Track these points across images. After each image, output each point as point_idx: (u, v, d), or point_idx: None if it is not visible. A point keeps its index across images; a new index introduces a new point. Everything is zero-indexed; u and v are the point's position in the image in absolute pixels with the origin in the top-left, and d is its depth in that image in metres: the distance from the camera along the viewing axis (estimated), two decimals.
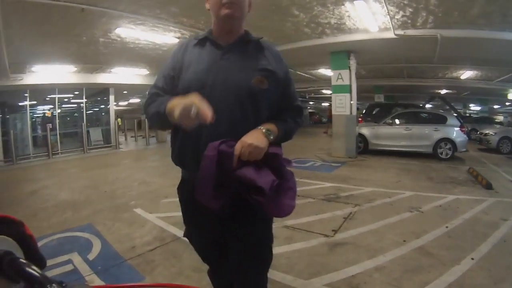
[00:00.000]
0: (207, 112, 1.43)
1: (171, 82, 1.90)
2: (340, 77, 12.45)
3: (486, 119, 24.05)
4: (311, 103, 43.50)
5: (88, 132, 17.05)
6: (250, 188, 1.59)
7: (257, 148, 1.61)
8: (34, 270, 0.68)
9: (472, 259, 4.10)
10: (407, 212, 6.00)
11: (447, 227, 5.23)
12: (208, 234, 2.04)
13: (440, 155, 12.28)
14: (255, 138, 1.63)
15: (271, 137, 1.72)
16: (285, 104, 2.00)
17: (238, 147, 1.59)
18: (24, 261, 0.71)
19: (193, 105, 1.40)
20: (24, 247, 0.79)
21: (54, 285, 0.64)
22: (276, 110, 1.94)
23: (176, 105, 1.48)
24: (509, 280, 3.59)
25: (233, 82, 1.76)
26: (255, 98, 1.78)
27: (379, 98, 24.35)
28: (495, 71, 16.51)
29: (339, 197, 7.00)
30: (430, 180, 8.80)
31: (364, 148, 13.68)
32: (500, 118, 28.59)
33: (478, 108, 34.45)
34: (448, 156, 12.17)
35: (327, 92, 26.08)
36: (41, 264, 0.81)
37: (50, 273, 3.51)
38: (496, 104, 34.42)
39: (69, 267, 3.73)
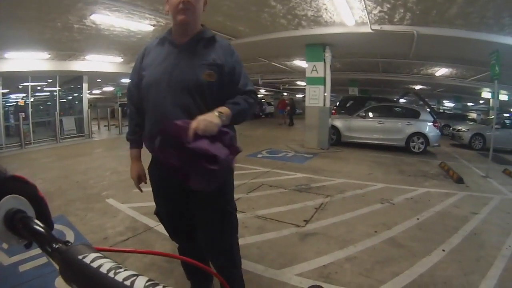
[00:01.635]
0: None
1: (137, 84, 2.34)
2: (314, 69, 12.48)
3: (459, 116, 24.57)
4: (285, 94, 43.51)
5: (61, 121, 16.60)
6: (203, 158, 1.74)
7: (210, 123, 1.83)
8: (42, 228, 0.73)
9: (443, 250, 4.18)
10: (379, 204, 6.07)
11: (418, 219, 5.32)
12: (175, 206, 2.41)
13: (412, 149, 12.52)
14: (208, 116, 1.88)
15: (223, 118, 1.96)
16: (236, 90, 2.22)
17: (194, 122, 1.81)
18: (34, 220, 0.77)
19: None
20: (35, 207, 0.83)
21: (59, 244, 0.68)
22: (226, 96, 2.18)
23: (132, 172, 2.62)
24: (479, 272, 3.67)
25: (184, 77, 2.10)
26: (202, 89, 2.11)
27: (354, 91, 24.59)
28: (470, 70, 16.85)
29: (311, 188, 7.02)
30: (402, 173, 8.94)
31: (337, 140, 13.82)
32: (473, 115, 29.28)
33: (452, 104, 35.14)
34: (421, 150, 12.42)
35: (301, 83, 26.10)
36: (50, 225, 0.84)
37: (23, 267, 3.48)
38: (470, 102, 35.19)
39: (42, 260, 3.59)
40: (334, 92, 29.80)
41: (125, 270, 0.57)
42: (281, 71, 21.52)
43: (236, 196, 5.47)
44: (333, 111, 15.53)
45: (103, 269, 0.57)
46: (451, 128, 17.97)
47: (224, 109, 2.01)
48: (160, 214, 2.59)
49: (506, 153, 13.90)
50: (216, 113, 1.94)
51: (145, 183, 2.53)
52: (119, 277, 0.55)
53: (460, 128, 16.34)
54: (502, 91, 20.03)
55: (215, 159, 1.73)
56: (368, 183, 7.52)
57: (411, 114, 13.18)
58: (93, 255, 0.61)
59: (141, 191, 2.57)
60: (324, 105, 12.46)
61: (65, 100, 19.19)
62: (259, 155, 10.84)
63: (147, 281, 0.53)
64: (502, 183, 8.12)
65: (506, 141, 14.42)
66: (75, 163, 9.89)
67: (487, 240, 4.60)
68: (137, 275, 0.55)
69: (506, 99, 22.06)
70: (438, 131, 12.67)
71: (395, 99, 26.24)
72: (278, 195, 6.46)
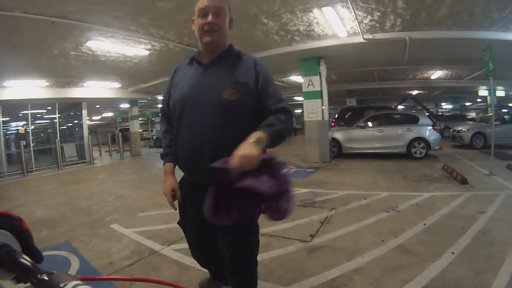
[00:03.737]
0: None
1: (168, 102, 2.43)
2: (310, 83, 12.54)
3: (459, 117, 24.62)
4: None
5: (62, 148, 16.71)
6: (255, 198, 1.83)
7: (249, 157, 1.75)
8: (27, 261, 0.77)
9: (452, 253, 4.12)
10: (384, 212, 6.02)
11: (424, 224, 5.27)
12: (200, 218, 2.08)
13: (414, 155, 12.52)
14: (245, 149, 1.78)
15: (261, 144, 1.85)
16: (267, 107, 2.16)
17: (232, 160, 1.74)
18: (19, 253, 0.80)
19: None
20: (21, 241, 0.87)
21: (44, 275, 0.72)
22: (254, 116, 2.18)
23: (165, 187, 2.35)
24: (491, 271, 3.61)
25: (209, 95, 2.11)
26: (227, 109, 2.08)
27: (351, 102, 24.71)
28: (465, 69, 16.97)
29: (315, 202, 6.97)
30: (405, 179, 8.90)
31: (338, 152, 13.85)
32: (472, 114, 29.35)
33: (450, 106, 35.17)
34: (422, 154, 12.42)
35: (299, 99, 26.16)
36: (38, 258, 0.87)
37: None
38: (468, 101, 35.25)
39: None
40: (332, 104, 29.91)
41: None
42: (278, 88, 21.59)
43: None
44: (333, 124, 15.57)
45: None
46: (451, 130, 18.00)
47: (259, 134, 1.92)
48: (185, 227, 2.60)
49: (508, 149, 13.90)
50: (251, 140, 1.85)
51: (179, 200, 2.38)
52: None
53: (460, 128, 16.36)
54: (498, 87, 20.13)
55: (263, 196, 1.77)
56: (372, 193, 7.48)
57: (410, 119, 13.22)
58: (73, 282, 0.65)
59: (175, 209, 2.41)
60: (323, 118, 12.51)
61: (65, 127, 19.42)
62: None
63: None
64: (507, 178, 8.09)
65: (507, 136, 14.42)
66: (78, 189, 9.92)
67: (497, 238, 4.55)
68: None
69: (503, 95, 22.11)
70: (438, 134, 12.68)
71: (393, 106, 26.28)
72: None
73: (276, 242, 4.88)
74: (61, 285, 0.65)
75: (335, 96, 23.62)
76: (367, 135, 13.41)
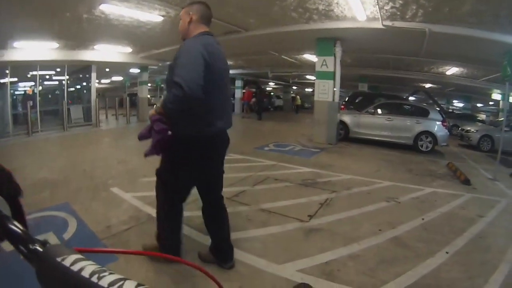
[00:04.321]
0: None
1: None
2: (324, 63, 12.37)
3: (469, 116, 24.40)
4: (294, 87, 43.33)
5: (68, 110, 16.64)
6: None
7: (149, 114, 2.99)
8: (17, 228, 0.65)
9: (447, 252, 4.13)
10: (384, 202, 6.03)
11: (423, 219, 5.28)
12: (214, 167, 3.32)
13: (420, 148, 12.45)
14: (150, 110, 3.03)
15: (156, 109, 2.86)
16: (171, 78, 2.72)
17: None
18: (9, 217, 0.68)
19: None
20: (11, 205, 0.79)
21: (36, 245, 0.61)
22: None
23: None
24: (483, 276, 3.63)
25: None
26: (166, 82, 3.10)
27: (363, 87, 24.43)
28: (482, 70, 16.63)
29: (317, 183, 6.99)
30: (409, 171, 8.89)
31: (345, 135, 13.80)
32: (482, 116, 29.03)
33: (461, 104, 34.87)
34: (428, 149, 12.36)
35: (311, 77, 25.93)
36: (25, 223, 0.78)
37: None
38: (480, 103, 34.86)
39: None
40: (344, 87, 29.62)
41: (110, 273, 0.51)
42: (290, 65, 21.40)
43: (241, 188, 5.74)
44: (342, 107, 15.47)
45: (85, 273, 0.52)
46: (459, 128, 17.81)
47: (159, 103, 2.83)
48: (183, 180, 3.17)
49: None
50: (155, 106, 2.91)
51: None
52: (104, 282, 0.49)
53: (469, 128, 16.24)
54: None
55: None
56: (375, 181, 7.48)
57: (420, 112, 13.08)
58: (73, 256, 0.55)
59: None
60: (333, 100, 12.36)
61: (73, 89, 19.30)
62: (266, 148, 10.85)
63: (137, 285, 0.48)
64: (510, 186, 8.01)
65: None
66: (82, 152, 9.90)
67: (493, 244, 4.56)
68: (124, 279, 0.50)
69: None
70: (446, 130, 12.56)
71: (404, 97, 26.05)
72: (283, 189, 6.45)
73: (275, 219, 4.92)
74: (58, 259, 0.55)
75: (347, 79, 23.38)
76: (375, 122, 13.34)
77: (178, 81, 2.53)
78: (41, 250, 0.59)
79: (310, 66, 17.55)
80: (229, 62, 20.03)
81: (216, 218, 3.40)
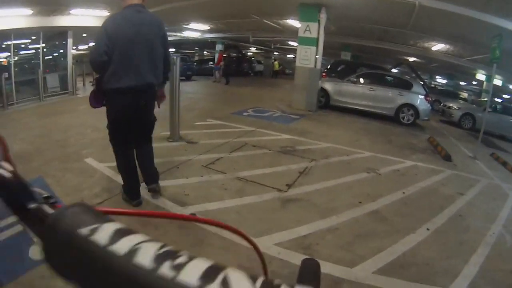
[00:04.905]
0: None
1: None
2: (308, 29, 12.05)
3: (451, 93, 24.61)
4: (276, 53, 42.79)
5: (44, 78, 16.02)
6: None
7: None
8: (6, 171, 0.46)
9: (428, 229, 4.08)
10: (364, 173, 5.95)
11: (403, 193, 5.22)
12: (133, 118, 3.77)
13: (401, 120, 12.44)
14: None
15: None
16: None
17: None
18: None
19: None
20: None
21: (43, 204, 0.45)
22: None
23: None
24: (462, 257, 3.59)
25: None
26: None
27: (346, 56, 24.18)
28: (468, 49, 16.55)
29: (296, 151, 6.86)
30: (389, 143, 8.84)
31: (325, 103, 13.64)
32: (464, 94, 29.20)
33: (444, 81, 34.97)
34: (410, 122, 12.36)
35: (293, 44, 25.49)
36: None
37: None
38: (462, 81, 35.00)
39: (18, 228, 3.34)
40: (326, 55, 29.31)
41: (162, 247, 0.32)
42: (273, 30, 20.88)
43: (217, 155, 6.13)
44: (323, 74, 15.28)
45: (123, 249, 0.31)
46: (441, 104, 17.98)
47: None
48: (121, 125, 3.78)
49: (493, 137, 13.96)
50: None
51: None
52: (166, 269, 0.29)
53: (451, 105, 16.38)
54: (496, 76, 19.93)
55: None
56: (355, 150, 7.39)
57: (404, 85, 12.97)
58: (105, 226, 0.34)
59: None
60: (315, 66, 12.23)
61: (50, 57, 18.52)
62: (245, 113, 10.60)
63: (207, 268, 0.29)
64: (490, 166, 8.05)
65: (495, 125, 14.37)
66: (56, 121, 9.44)
67: (472, 224, 4.52)
68: (192, 258, 0.30)
69: (500, 84, 21.97)
70: (429, 105, 12.54)
71: (387, 68, 25.98)
72: (261, 156, 6.29)
73: (251, 188, 4.77)
74: (82, 230, 0.33)
75: (330, 47, 22.96)
76: (357, 91, 13.20)
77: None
78: (50, 215, 0.37)
79: (293, 32, 17.14)
80: (209, 26, 19.00)
81: (143, 156, 4.07)
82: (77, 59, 25.71)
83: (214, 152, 6.22)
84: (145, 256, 0.30)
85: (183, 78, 21.56)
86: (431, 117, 13.65)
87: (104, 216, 0.37)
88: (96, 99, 3.78)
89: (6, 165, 0.48)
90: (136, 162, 3.99)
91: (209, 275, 0.28)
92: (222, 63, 22.90)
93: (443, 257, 3.53)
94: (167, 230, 3.41)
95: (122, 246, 0.31)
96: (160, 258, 0.30)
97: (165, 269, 0.29)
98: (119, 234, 0.33)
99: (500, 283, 3.31)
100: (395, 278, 3.11)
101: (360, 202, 4.63)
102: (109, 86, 3.54)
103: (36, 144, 6.68)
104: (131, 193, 3.98)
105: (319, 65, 12.36)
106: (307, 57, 12.18)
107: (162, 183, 4.26)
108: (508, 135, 14.80)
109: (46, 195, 0.48)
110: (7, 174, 0.45)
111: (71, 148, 6.44)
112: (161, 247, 0.32)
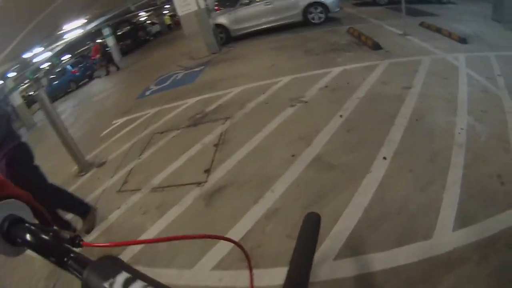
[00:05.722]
0: None
1: None
2: None
3: None
4: (167, 7, 40.90)
5: None
6: None
7: None
8: (47, 235, 0.61)
9: (385, 158, 3.33)
10: (288, 108, 5.10)
11: (341, 116, 4.42)
12: None
13: (312, 21, 11.61)
14: None
15: None
16: None
17: None
18: (34, 225, 0.66)
19: None
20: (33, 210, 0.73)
21: (78, 256, 0.56)
22: None
23: None
24: (437, 181, 2.90)
25: None
26: None
27: None
28: None
29: (207, 115, 5.90)
30: (309, 53, 7.96)
31: (227, 38, 12.64)
32: None
33: None
34: (322, 19, 11.56)
35: None
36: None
37: None
38: None
39: None
40: None
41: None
42: None
43: (129, 167, 5.02)
44: (216, 8, 14.16)
45: None
46: None
47: None
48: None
49: (413, 3, 13.04)
50: None
51: None
52: None
53: None
54: None
55: None
56: (272, 81, 6.52)
57: None
58: (123, 275, 0.47)
59: None
60: (199, 7, 11.02)
61: None
62: (148, 92, 9.34)
63: None
64: (424, 39, 7.40)
65: None
66: None
67: (434, 124, 3.85)
68: None
69: None
70: None
71: None
72: (172, 143, 5.31)
73: (170, 196, 3.85)
74: (106, 284, 0.46)
75: None
76: (255, 12, 12.13)
77: None
78: (85, 269, 0.51)
79: None
80: (86, 16, 17.34)
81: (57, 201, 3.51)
82: None
83: (124, 165, 5.16)
84: None
85: (86, 80, 20.55)
86: (342, 5, 12.88)
87: (119, 264, 0.50)
88: None
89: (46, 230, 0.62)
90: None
91: None
92: (98, 55, 20.99)
93: (415, 191, 2.84)
94: None
95: None
96: None
97: None
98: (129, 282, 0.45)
99: (494, 194, 2.66)
100: (366, 254, 2.39)
101: (293, 156, 3.78)
102: None
103: None
104: (82, 206, 3.66)
105: (202, 4, 11.20)
106: (188, 1, 10.97)
107: (86, 238, 3.28)
108: None
109: (72, 236, 0.59)
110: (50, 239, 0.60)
111: None
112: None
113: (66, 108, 12.97)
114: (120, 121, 7.52)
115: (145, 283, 0.44)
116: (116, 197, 4.25)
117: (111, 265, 0.48)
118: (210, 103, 6.36)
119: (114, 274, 0.46)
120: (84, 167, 5.46)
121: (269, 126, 4.65)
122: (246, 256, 0.73)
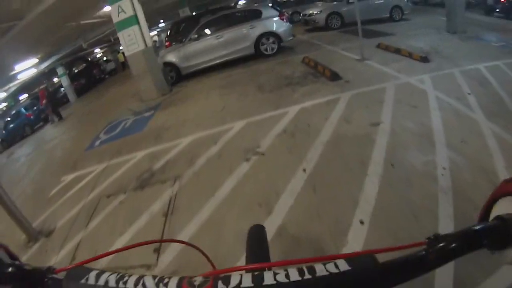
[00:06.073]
0: None
1: None
2: (121, 10, 10.51)
3: None
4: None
5: None
6: None
7: None
8: (26, 266, 0.63)
9: (362, 222, 2.82)
10: (244, 163, 4.54)
11: (304, 170, 3.90)
12: None
13: (265, 52, 11.43)
14: None
15: None
16: None
17: None
18: (8, 259, 0.66)
19: None
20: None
21: (52, 274, 0.61)
22: None
23: None
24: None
25: None
26: None
27: (184, 12, 22.93)
28: None
29: (154, 174, 5.26)
30: (261, 89, 7.58)
31: (177, 76, 12.22)
32: None
33: None
34: (274, 50, 11.44)
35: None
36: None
37: None
38: None
39: None
40: (167, 21, 28.16)
41: (129, 276, 0.53)
42: (100, 24, 18.94)
43: (76, 239, 4.33)
44: (167, 44, 13.83)
45: (112, 284, 0.53)
46: (301, 15, 17.32)
47: None
48: None
49: (365, 24, 13.02)
50: None
51: None
52: (130, 285, 0.51)
53: (311, 12, 15.63)
54: None
55: None
56: (223, 127, 6.02)
57: (252, 15, 11.83)
58: (93, 273, 0.56)
59: None
60: (147, 45, 10.71)
61: None
62: (97, 142, 8.54)
63: (154, 278, 0.52)
64: (384, 62, 7.17)
65: (363, 12, 13.53)
66: None
67: (413, 168, 3.44)
68: (142, 276, 0.52)
69: None
70: (287, 23, 11.64)
71: (232, 4, 24.90)
72: (118, 212, 4.58)
73: None
74: (82, 280, 0.55)
75: (163, 12, 21.66)
76: (204, 46, 11.79)
77: None
78: (61, 278, 0.59)
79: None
80: (36, 57, 16.72)
81: None
82: None
83: (72, 236, 4.43)
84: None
85: (41, 123, 19.55)
86: (296, 32, 12.74)
87: (87, 268, 0.57)
88: None
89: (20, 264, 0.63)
90: None
91: None
92: (44, 100, 20.05)
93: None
94: None
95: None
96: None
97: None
98: (121, 277, 0.53)
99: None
100: None
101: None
102: None
103: None
104: None
105: (149, 43, 10.91)
106: (134, 40, 10.64)
107: None
108: (378, 16, 14.23)
109: (47, 267, 0.61)
110: (28, 269, 0.62)
111: None
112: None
113: (20, 156, 12.20)
114: (68, 177, 6.73)
115: (111, 272, 0.53)
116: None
117: (82, 268, 0.55)
118: (158, 158, 5.76)
119: (86, 274, 0.53)
120: (32, 236, 4.78)
121: (222, 190, 4.06)
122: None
